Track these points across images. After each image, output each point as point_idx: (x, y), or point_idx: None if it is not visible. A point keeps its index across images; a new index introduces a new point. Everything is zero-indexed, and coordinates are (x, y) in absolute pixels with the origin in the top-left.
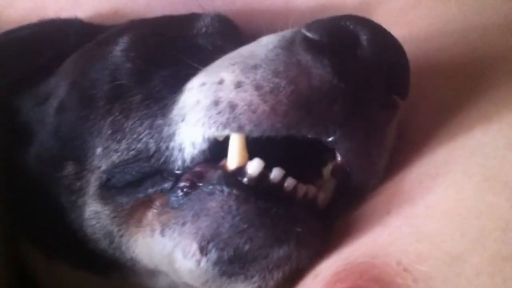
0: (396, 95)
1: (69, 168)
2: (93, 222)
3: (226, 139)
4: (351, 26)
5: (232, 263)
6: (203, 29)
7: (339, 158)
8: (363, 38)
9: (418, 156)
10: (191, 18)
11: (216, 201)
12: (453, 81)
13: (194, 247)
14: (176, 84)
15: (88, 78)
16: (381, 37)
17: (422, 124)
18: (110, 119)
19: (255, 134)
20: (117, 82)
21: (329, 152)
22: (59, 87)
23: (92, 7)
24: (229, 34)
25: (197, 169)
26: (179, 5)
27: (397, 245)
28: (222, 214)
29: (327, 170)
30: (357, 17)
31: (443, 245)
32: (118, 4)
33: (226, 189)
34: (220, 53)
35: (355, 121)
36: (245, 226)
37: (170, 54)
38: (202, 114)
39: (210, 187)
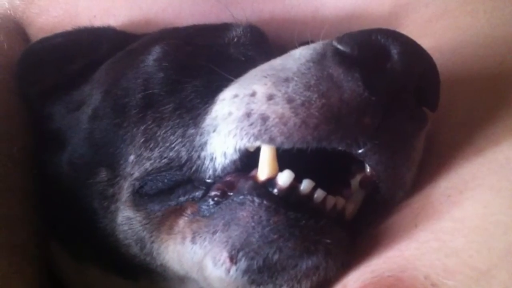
0: (426, 107)
1: (102, 175)
2: (125, 228)
3: (257, 150)
4: (382, 40)
5: (261, 272)
6: (235, 39)
7: (368, 170)
8: (394, 51)
9: (445, 170)
10: (222, 28)
11: (247, 211)
12: (480, 94)
13: (224, 255)
14: (208, 95)
15: (121, 87)
16: (412, 50)
17: (450, 138)
18: (143, 127)
19: (286, 146)
20: (150, 91)
21: (358, 163)
22: (92, 95)
23: (125, 15)
24: (260, 44)
25: (228, 178)
26: (210, 15)
27: (425, 259)
28: (252, 224)
29: (355, 181)
30: (387, 30)
31: (470, 261)
32: (150, 13)
33: (256, 200)
34: (251, 64)
35: (385, 133)
36: (275, 236)
37: (202, 64)
38: (234, 125)
39: (241, 197)
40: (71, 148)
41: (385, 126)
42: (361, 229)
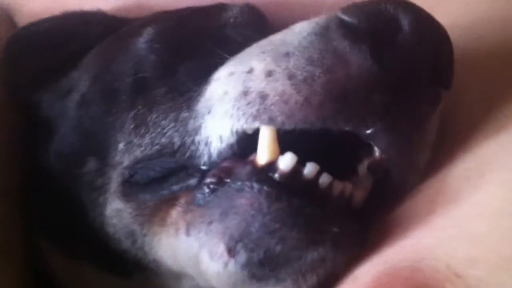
0: (440, 85)
1: (91, 164)
2: (115, 220)
3: (256, 132)
4: (392, 9)
5: (262, 265)
6: (231, 20)
7: (377, 154)
8: (405, 22)
9: (462, 151)
10: (218, 9)
11: (246, 199)
12: (496, 71)
13: (222, 247)
14: (203, 75)
15: (110, 71)
16: (425, 21)
17: (466, 117)
18: (133, 112)
19: (287, 126)
20: (141, 75)
21: (365, 147)
22: (81, 81)
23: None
24: (258, 25)
25: (225, 164)
26: None
27: (445, 247)
28: (252, 212)
29: (362, 166)
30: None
31: (496, 248)
32: None
33: (256, 186)
34: (249, 44)
35: (396, 112)
36: (277, 225)
37: (196, 44)
38: (230, 105)
39: (239, 183)
40: (59, 138)
41: (396, 104)
42: (370, 217)
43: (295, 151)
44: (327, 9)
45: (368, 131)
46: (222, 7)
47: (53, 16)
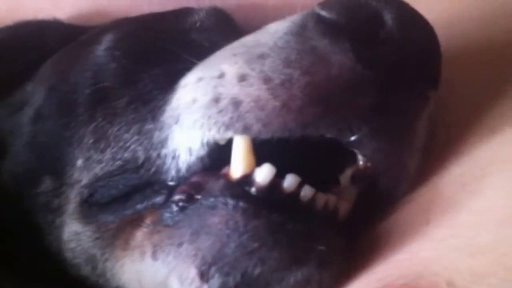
0: (427, 84)
1: (46, 183)
2: (73, 244)
3: (228, 143)
4: (374, 3)
5: None
6: (197, 24)
7: (361, 162)
8: (389, 17)
9: (455, 155)
10: (183, 13)
11: (219, 216)
12: (483, 69)
13: (193, 272)
14: (168, 83)
15: (67, 82)
16: (410, 16)
17: (456, 119)
18: (92, 126)
19: (264, 135)
20: (100, 85)
21: (347, 155)
22: (35, 93)
23: (73, 7)
24: (227, 29)
25: (195, 179)
26: (169, 3)
27: (445, 261)
28: (227, 231)
29: (345, 176)
30: None
31: (502, 259)
32: (101, 3)
33: (231, 202)
34: (217, 50)
35: (382, 115)
36: (256, 245)
37: (160, 50)
38: (199, 114)
39: (211, 199)
40: (12, 156)
41: (383, 106)
42: (356, 230)
43: (272, 163)
44: (301, 11)
45: (353, 138)
46: (187, 11)
47: (5, 26)
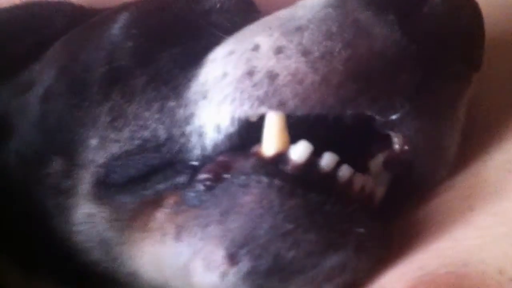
0: (470, 64)
1: (57, 164)
2: (86, 227)
3: (259, 121)
4: None
5: (270, 275)
6: (218, 5)
7: (396, 146)
8: None
9: (497, 140)
10: None
11: (252, 195)
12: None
13: (221, 254)
14: (192, 60)
15: (80, 61)
16: None
17: (497, 103)
18: (108, 105)
19: (301, 111)
20: (116, 64)
21: (376, 141)
22: (44, 73)
23: None
24: (248, 12)
25: (221, 158)
26: None
27: (493, 249)
28: (260, 211)
29: (376, 162)
30: None
31: None
32: None
33: (265, 179)
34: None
35: (425, 94)
36: (291, 226)
37: (180, 29)
38: (231, 88)
39: (243, 177)
40: (19, 136)
41: (425, 85)
42: (391, 216)
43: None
44: None
45: (394, 116)
46: None
47: (11, 6)
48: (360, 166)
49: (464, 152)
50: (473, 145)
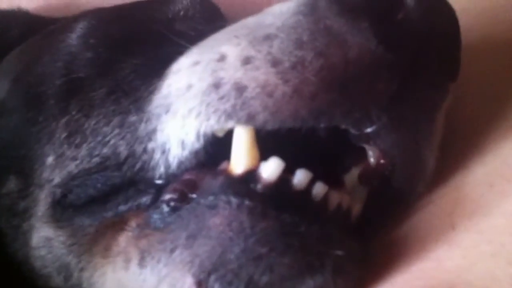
0: (447, 73)
1: (11, 184)
2: (43, 252)
3: (227, 136)
4: None
5: None
6: (181, 13)
7: (372, 159)
8: None
9: (477, 153)
10: (165, 1)
11: (221, 217)
12: (498, 62)
13: (189, 281)
14: (154, 71)
15: (36, 73)
16: None
17: (475, 113)
18: (64, 119)
19: (271, 125)
20: (74, 75)
21: (350, 154)
22: None
23: None
24: (213, 18)
25: (187, 176)
26: None
27: (480, 269)
28: (230, 234)
29: (351, 176)
30: None
31: None
32: None
33: (234, 200)
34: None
35: (402, 105)
36: (264, 249)
37: (142, 38)
38: (196, 101)
39: (211, 198)
40: None
41: (402, 95)
42: (369, 235)
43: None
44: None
45: (370, 129)
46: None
47: None
48: (335, 180)
49: (443, 164)
50: (452, 157)
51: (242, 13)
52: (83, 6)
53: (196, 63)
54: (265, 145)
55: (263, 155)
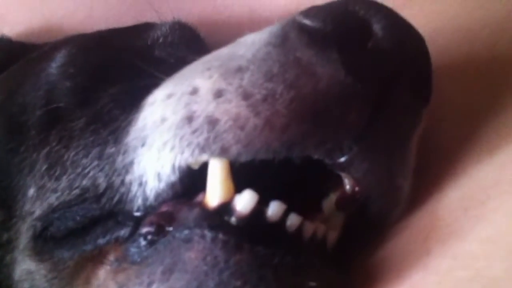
0: (419, 99)
1: None
2: (26, 285)
3: (202, 168)
4: (362, 11)
5: None
6: (161, 39)
7: (348, 186)
8: (378, 26)
9: (451, 176)
10: (144, 28)
11: (196, 251)
12: (478, 82)
13: None
14: (131, 102)
15: (16, 103)
16: (400, 25)
17: (448, 137)
18: (45, 150)
19: (244, 157)
20: (54, 105)
21: (329, 180)
22: None
23: (22, 22)
24: (192, 43)
25: (165, 208)
26: (128, 16)
27: None
28: (204, 268)
29: (329, 202)
30: (366, 0)
31: None
32: (53, 18)
33: (208, 234)
34: (183, 66)
35: (374, 134)
36: (238, 283)
37: (121, 67)
38: (170, 134)
39: (186, 231)
40: None
41: (374, 124)
42: (345, 261)
43: (251, 189)
44: (264, 25)
45: (342, 159)
46: (148, 26)
47: None
48: (311, 207)
49: (418, 189)
50: (427, 181)
51: (222, 36)
52: (65, 31)
53: (170, 95)
54: (241, 176)
55: (239, 187)
